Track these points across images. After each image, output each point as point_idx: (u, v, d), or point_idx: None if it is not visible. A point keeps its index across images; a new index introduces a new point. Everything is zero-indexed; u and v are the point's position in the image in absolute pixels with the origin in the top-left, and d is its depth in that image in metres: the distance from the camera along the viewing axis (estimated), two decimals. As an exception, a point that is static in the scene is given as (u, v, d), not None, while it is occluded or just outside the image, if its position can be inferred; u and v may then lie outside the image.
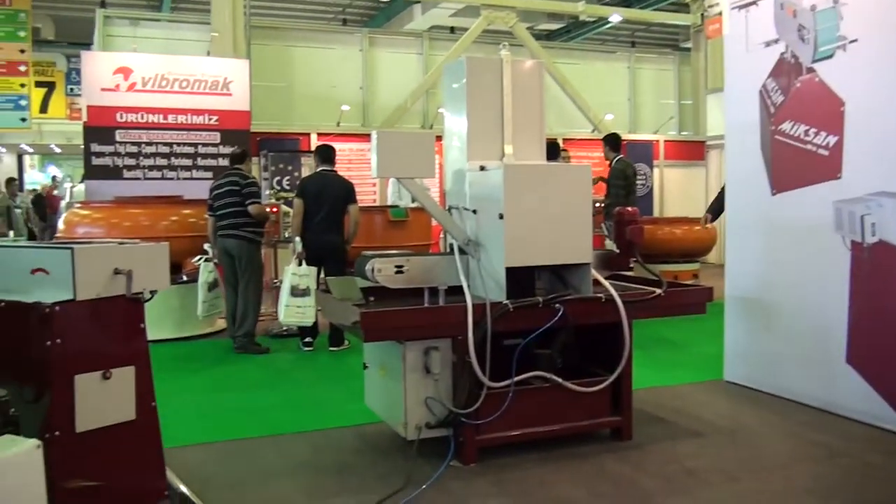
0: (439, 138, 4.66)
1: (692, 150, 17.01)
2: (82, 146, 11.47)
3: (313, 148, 13.11)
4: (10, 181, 13.89)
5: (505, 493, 3.86)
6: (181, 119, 11.54)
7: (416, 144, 4.42)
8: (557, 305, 4.25)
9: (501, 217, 4.19)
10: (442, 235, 10.30)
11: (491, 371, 4.13)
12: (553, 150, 6.98)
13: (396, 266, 4.42)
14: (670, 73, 17.68)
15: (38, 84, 22.02)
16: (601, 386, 4.42)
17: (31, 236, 13.06)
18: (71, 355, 3.23)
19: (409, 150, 4.34)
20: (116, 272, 3.28)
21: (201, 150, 11.57)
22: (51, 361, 3.20)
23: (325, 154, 7.51)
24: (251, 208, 7.29)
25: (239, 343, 7.30)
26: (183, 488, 3.76)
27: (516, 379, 4.19)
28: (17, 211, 13.07)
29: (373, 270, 4.39)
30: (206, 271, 7.52)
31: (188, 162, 11.54)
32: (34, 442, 1.30)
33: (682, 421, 4.99)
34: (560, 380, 4.33)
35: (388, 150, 4.30)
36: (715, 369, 6.10)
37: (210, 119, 11.66)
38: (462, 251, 4.47)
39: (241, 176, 7.42)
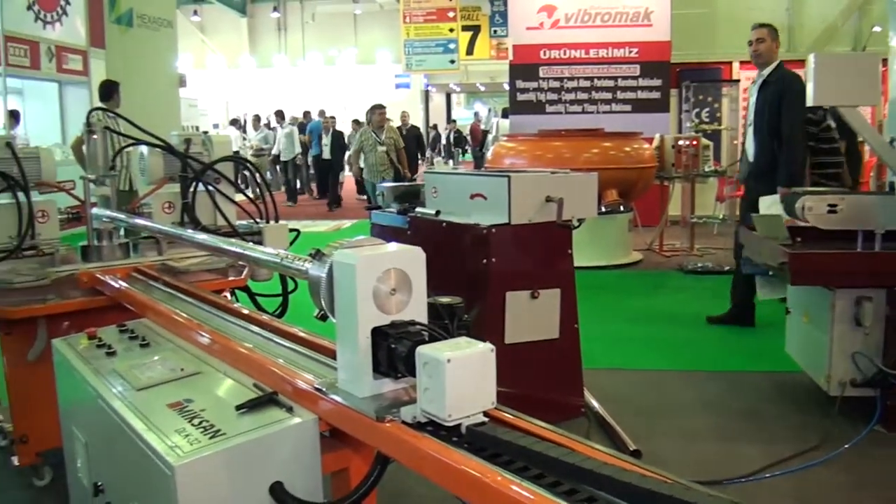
0: (884, 61, 4.16)
1: None
2: (505, 84, 12.11)
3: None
4: (374, 108, 10.97)
5: (938, 473, 3.42)
6: (602, 53, 11.66)
7: (858, 68, 3.98)
8: None
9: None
10: (872, 173, 9.30)
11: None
12: None
13: (829, 205, 4.07)
14: None
15: (465, 28, 23.75)
16: None
17: (397, 175, 10.78)
18: (504, 274, 3.49)
19: (851, 75, 3.92)
20: (548, 200, 3.44)
21: (621, 83, 11.62)
22: (485, 278, 3.49)
23: None
24: None
25: None
26: (599, 408, 3.91)
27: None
28: (381, 148, 10.59)
29: (803, 208, 4.08)
30: None
31: (608, 96, 11.67)
32: (488, 346, 1.42)
33: None
34: None
35: (827, 74, 3.93)
36: None
37: (630, 52, 11.62)
38: (907, 191, 3.97)
39: None
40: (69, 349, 2.38)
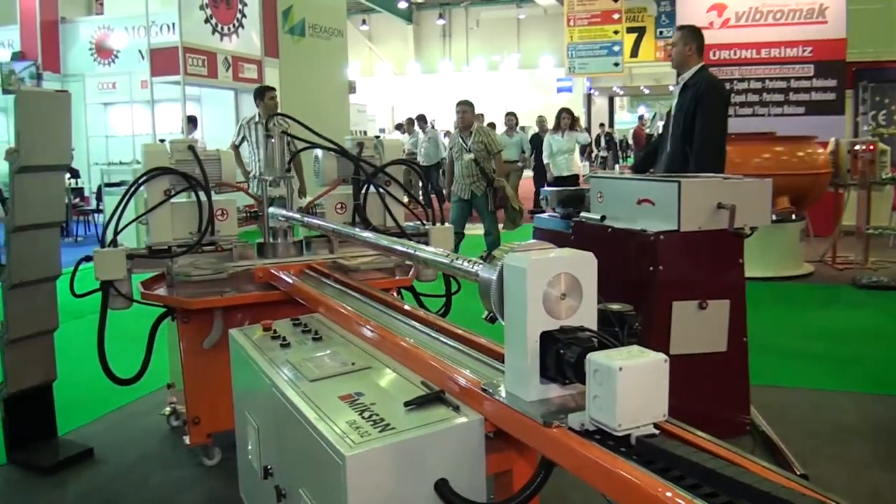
0: None
1: None
2: (671, 86, 11.75)
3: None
4: (457, 105, 8.42)
5: None
6: (774, 53, 11.12)
7: None
8: None
9: None
10: None
11: None
12: None
13: None
14: None
15: (630, 30, 23.38)
16: None
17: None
18: (670, 282, 3.39)
19: None
20: (719, 206, 3.32)
21: (793, 84, 11.05)
22: (651, 286, 3.40)
23: None
24: None
25: None
26: (766, 428, 3.73)
27: None
28: (468, 156, 8.18)
29: None
30: None
31: (780, 97, 11.11)
32: (661, 356, 1.39)
33: None
34: None
35: None
36: None
37: (804, 51, 11.04)
38: None
39: None
40: (245, 339, 2.51)
